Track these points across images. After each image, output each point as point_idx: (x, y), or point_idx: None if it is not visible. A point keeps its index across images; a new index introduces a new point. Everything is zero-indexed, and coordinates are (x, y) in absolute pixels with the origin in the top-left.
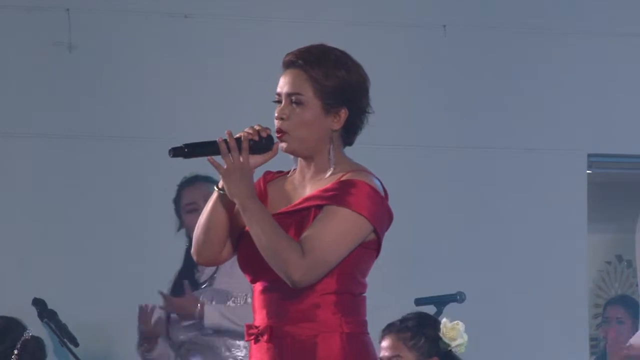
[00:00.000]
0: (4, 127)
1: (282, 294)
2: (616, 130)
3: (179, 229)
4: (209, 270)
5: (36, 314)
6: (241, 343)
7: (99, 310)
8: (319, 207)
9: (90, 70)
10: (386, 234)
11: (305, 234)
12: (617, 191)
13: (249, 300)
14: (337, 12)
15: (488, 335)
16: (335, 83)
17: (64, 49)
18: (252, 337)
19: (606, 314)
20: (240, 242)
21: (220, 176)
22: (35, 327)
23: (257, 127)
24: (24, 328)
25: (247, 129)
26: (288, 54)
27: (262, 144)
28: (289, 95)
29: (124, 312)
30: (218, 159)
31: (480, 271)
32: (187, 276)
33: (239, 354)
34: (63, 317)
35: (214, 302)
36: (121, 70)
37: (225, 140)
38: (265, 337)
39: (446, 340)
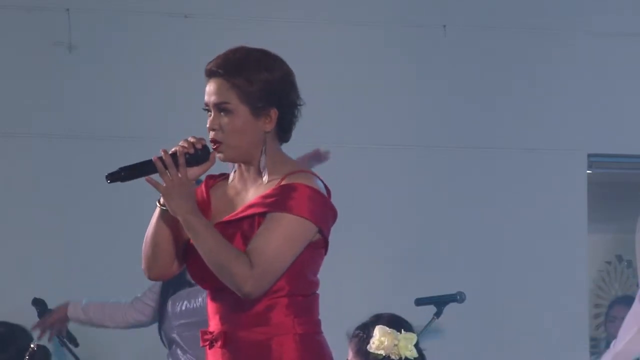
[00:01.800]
0: (4, 127)
1: (233, 299)
2: (616, 130)
3: None
4: None
5: (36, 314)
6: None
7: None
8: (262, 215)
9: (90, 70)
10: (386, 233)
11: (251, 244)
12: (617, 191)
13: None
14: (337, 12)
15: (488, 335)
16: (260, 86)
17: (64, 49)
18: (207, 342)
19: (612, 313)
20: (187, 253)
21: (160, 193)
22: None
23: (191, 140)
24: (29, 336)
25: (181, 143)
26: (209, 63)
27: (198, 156)
28: (215, 105)
29: None
30: (157, 177)
31: (480, 271)
32: (180, 275)
33: None
34: None
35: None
36: (121, 70)
37: (160, 158)
38: (219, 343)
39: (372, 350)
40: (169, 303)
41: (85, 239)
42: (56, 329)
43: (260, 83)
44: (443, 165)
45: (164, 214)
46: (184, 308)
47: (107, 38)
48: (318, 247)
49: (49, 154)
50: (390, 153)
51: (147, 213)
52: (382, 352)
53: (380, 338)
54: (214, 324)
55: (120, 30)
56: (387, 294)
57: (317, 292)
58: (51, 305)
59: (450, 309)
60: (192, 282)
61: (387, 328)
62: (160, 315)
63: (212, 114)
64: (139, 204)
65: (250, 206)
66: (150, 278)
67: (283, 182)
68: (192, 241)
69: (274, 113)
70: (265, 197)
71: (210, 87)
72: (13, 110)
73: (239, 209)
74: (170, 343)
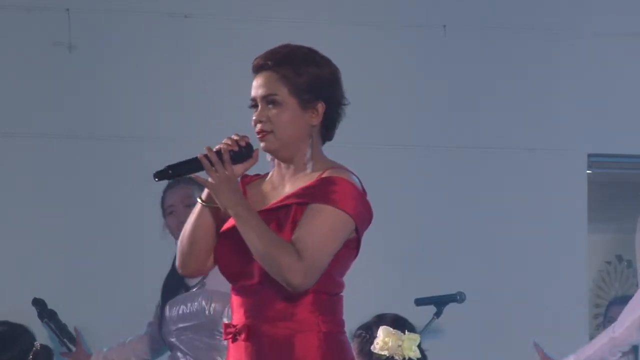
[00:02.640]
0: (4, 127)
1: (259, 293)
2: (616, 130)
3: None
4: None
5: (36, 314)
6: None
7: (98, 310)
8: (300, 205)
9: (90, 70)
10: (386, 233)
11: (296, 235)
12: (617, 191)
13: None
14: (337, 12)
15: (488, 335)
16: (308, 78)
17: (64, 49)
18: (230, 336)
19: (610, 314)
20: (217, 244)
21: (209, 190)
22: (35, 327)
23: (235, 137)
24: (32, 336)
25: (225, 140)
26: (256, 58)
27: (241, 153)
28: (264, 97)
29: (124, 312)
30: (203, 174)
31: (480, 271)
32: (177, 280)
33: None
34: (63, 317)
35: (213, 306)
36: (121, 70)
37: (206, 156)
38: (242, 336)
39: (376, 350)
40: (167, 308)
41: (86, 239)
42: None
43: (309, 75)
44: (443, 165)
45: (204, 211)
46: (180, 312)
47: (107, 38)
48: (350, 247)
49: (49, 154)
50: (390, 153)
51: (147, 213)
52: (385, 352)
53: (384, 339)
54: (237, 318)
55: (120, 30)
56: (387, 294)
57: (342, 293)
58: (51, 305)
59: (450, 309)
60: (189, 285)
61: (391, 329)
62: (159, 320)
63: (260, 107)
64: (140, 205)
65: (289, 196)
66: (184, 274)
67: (324, 175)
68: (222, 229)
69: (321, 107)
70: (306, 188)
71: (257, 81)
72: (13, 110)
73: (277, 199)
74: (170, 347)
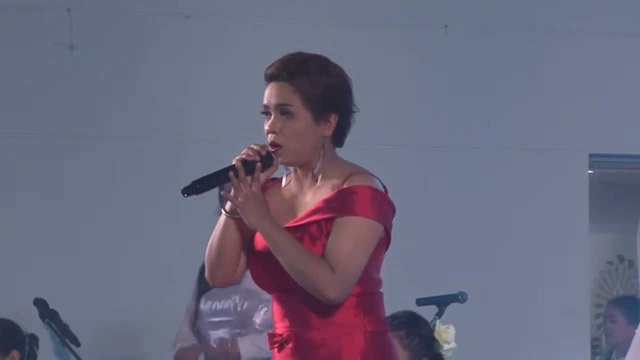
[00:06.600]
0: (4, 127)
1: (301, 301)
2: (617, 131)
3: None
4: None
5: (37, 314)
6: None
7: (100, 310)
8: (328, 220)
9: (91, 70)
10: None
11: (326, 249)
12: (619, 191)
13: None
14: (337, 13)
15: (488, 335)
16: (321, 90)
17: (65, 49)
18: (276, 345)
19: (609, 312)
20: (250, 257)
21: (236, 207)
22: (36, 328)
23: (255, 147)
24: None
25: (246, 151)
26: (269, 67)
27: (263, 162)
28: (277, 106)
29: (125, 311)
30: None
31: (481, 271)
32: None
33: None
34: (64, 317)
35: (246, 304)
36: (122, 70)
37: (235, 173)
38: (290, 345)
39: (441, 342)
40: (202, 299)
41: (86, 239)
42: None
43: (322, 86)
44: (443, 165)
45: (229, 222)
46: (214, 307)
47: (108, 38)
48: (381, 245)
49: (49, 154)
50: (390, 153)
51: (147, 213)
52: (444, 345)
53: (444, 332)
54: (282, 327)
55: (120, 30)
56: (388, 294)
57: (381, 289)
58: (52, 305)
59: (451, 309)
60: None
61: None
62: (193, 311)
63: (273, 116)
64: (140, 204)
65: (316, 211)
66: (214, 285)
67: (344, 186)
68: (256, 248)
69: (333, 119)
70: (330, 201)
71: (271, 90)
72: (13, 110)
73: (303, 213)
74: (199, 340)
